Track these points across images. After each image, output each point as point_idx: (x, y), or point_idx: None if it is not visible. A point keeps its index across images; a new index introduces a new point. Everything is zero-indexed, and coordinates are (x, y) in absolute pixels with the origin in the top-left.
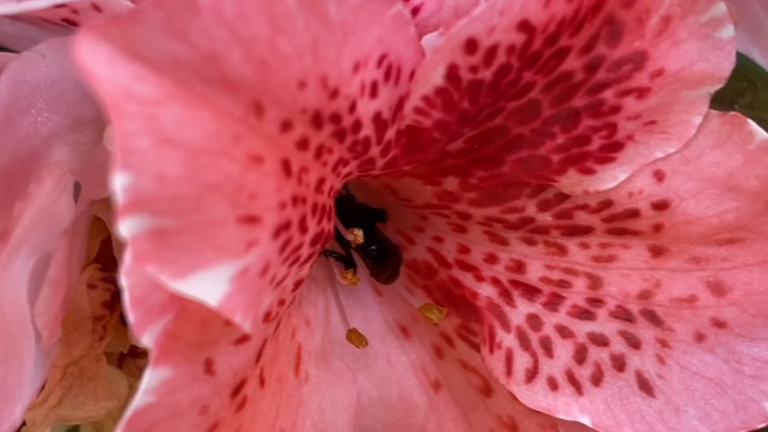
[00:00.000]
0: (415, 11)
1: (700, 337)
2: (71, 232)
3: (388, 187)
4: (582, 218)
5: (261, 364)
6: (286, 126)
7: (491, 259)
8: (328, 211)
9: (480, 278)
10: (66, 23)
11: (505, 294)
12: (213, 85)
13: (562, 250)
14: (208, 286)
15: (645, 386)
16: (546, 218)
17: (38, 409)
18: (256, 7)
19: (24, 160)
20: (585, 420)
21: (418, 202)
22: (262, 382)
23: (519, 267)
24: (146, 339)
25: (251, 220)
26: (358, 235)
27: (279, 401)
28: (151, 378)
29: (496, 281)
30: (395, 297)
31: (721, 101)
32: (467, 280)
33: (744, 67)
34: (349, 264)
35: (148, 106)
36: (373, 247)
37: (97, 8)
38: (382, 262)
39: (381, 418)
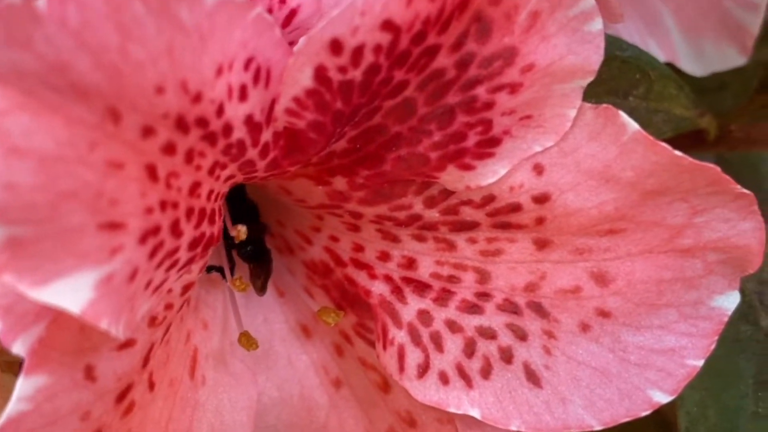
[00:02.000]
0: (292, 13)
1: (585, 327)
2: None
3: (283, 188)
4: (468, 213)
5: (149, 368)
6: (147, 131)
7: (384, 256)
8: (210, 214)
9: (373, 276)
10: None
11: (397, 291)
12: (63, 93)
13: (451, 246)
14: (70, 294)
15: (532, 377)
16: (433, 215)
17: None
18: (102, 15)
19: None
20: (475, 413)
21: (312, 203)
22: (151, 386)
23: (410, 264)
24: (17, 347)
25: (113, 226)
26: (241, 231)
27: (172, 405)
28: (23, 386)
29: (388, 278)
30: (296, 297)
31: (615, 92)
32: (361, 278)
33: (638, 59)
34: (232, 266)
35: None
36: (249, 248)
37: None
38: (259, 263)
39: (283, 417)
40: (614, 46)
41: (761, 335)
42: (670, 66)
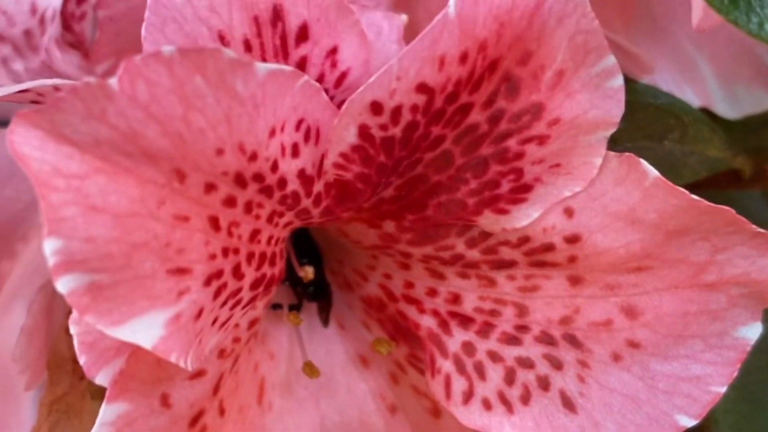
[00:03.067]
0: (343, 75)
1: (616, 357)
2: (50, 286)
3: (341, 231)
4: (506, 253)
5: (220, 395)
6: (209, 188)
7: (432, 292)
8: (270, 257)
9: (422, 310)
10: (35, 104)
11: (444, 324)
12: (134, 158)
13: (492, 282)
14: (143, 332)
15: (568, 404)
16: (475, 254)
17: None
18: (167, 89)
19: (8, 223)
20: None
21: (366, 244)
22: (222, 412)
23: (456, 299)
24: (100, 378)
25: (180, 271)
26: (308, 272)
27: (242, 428)
28: (106, 412)
29: (435, 313)
30: (355, 330)
31: (651, 137)
32: (411, 312)
33: (672, 105)
34: (299, 304)
35: (75, 180)
36: (311, 287)
37: (58, 90)
38: (322, 300)
39: None
40: (649, 94)
41: None
42: (704, 110)
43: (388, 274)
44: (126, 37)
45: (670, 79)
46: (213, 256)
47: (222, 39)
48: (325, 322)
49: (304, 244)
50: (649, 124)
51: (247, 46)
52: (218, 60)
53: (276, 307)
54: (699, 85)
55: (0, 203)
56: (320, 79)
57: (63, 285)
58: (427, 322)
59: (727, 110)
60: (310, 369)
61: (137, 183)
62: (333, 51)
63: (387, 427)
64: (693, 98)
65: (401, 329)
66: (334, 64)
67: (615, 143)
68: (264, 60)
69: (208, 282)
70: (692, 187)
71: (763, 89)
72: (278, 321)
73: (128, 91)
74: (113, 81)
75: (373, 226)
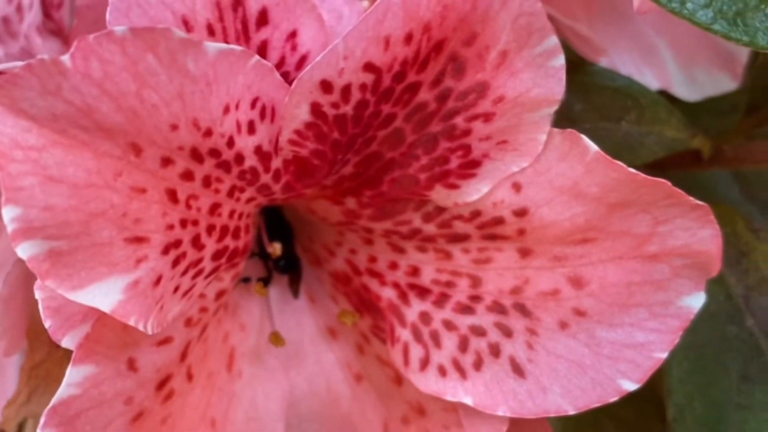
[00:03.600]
0: (303, 58)
1: (563, 325)
2: None
3: (309, 209)
4: (459, 227)
5: (187, 362)
6: (166, 161)
7: (393, 266)
8: (233, 231)
9: (383, 283)
10: None
11: (403, 295)
12: (90, 132)
13: (448, 255)
14: (102, 296)
15: (517, 369)
16: (431, 228)
17: (11, 407)
18: (120, 67)
19: None
20: (468, 401)
21: (332, 221)
22: (189, 377)
23: (415, 272)
24: (66, 342)
25: (138, 240)
26: (276, 248)
27: (210, 394)
28: (72, 373)
29: (396, 285)
30: (324, 303)
31: (609, 118)
32: (374, 285)
33: (629, 87)
34: (268, 277)
35: (32, 152)
36: (282, 262)
37: None
38: (292, 274)
39: (312, 407)
40: (606, 77)
41: (746, 335)
42: (664, 93)
43: (353, 250)
44: (103, 24)
45: (631, 62)
46: (171, 227)
47: (186, 24)
48: (295, 293)
49: (276, 221)
50: (607, 106)
51: (210, 31)
52: (169, 39)
53: (247, 280)
54: (659, 68)
55: None
56: (281, 62)
57: (23, 251)
58: (388, 293)
59: (686, 93)
60: (276, 338)
61: (93, 155)
62: (293, 35)
63: (353, 395)
64: (653, 81)
65: (365, 301)
66: (294, 48)
67: (573, 124)
68: (226, 43)
69: (166, 251)
70: (655, 169)
71: (722, 72)
72: (250, 294)
73: (81, 68)
74: (65, 58)
75: (336, 203)
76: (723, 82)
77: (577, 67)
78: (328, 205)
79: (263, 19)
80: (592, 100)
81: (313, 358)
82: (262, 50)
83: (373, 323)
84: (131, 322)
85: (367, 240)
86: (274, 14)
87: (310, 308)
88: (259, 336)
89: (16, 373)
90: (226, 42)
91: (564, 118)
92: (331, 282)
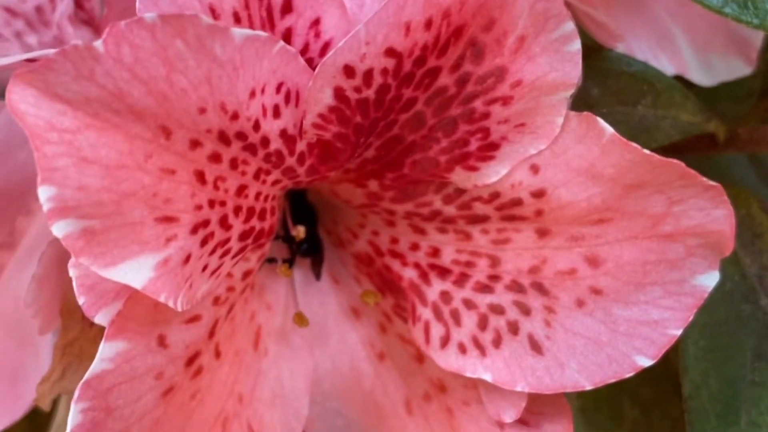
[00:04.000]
0: (326, 45)
1: (580, 303)
2: None
3: (333, 192)
4: (479, 208)
5: (215, 339)
6: (194, 144)
7: (414, 247)
8: (260, 212)
9: (405, 263)
10: None
11: (424, 275)
12: (122, 115)
13: (468, 236)
14: (134, 273)
15: (535, 346)
16: (451, 210)
17: (45, 384)
18: (150, 52)
19: (24, 182)
20: (487, 377)
21: (355, 203)
22: (218, 354)
23: (435, 252)
24: (100, 318)
25: (168, 219)
26: (300, 231)
27: (237, 370)
28: (105, 349)
29: (417, 265)
30: (347, 284)
31: (625, 103)
32: (396, 265)
33: (645, 72)
34: (291, 259)
35: (67, 134)
36: (305, 245)
37: None
38: (315, 256)
39: (336, 384)
40: (623, 62)
41: (760, 314)
42: (679, 78)
43: (376, 231)
44: (132, 13)
45: (647, 47)
46: (199, 207)
47: (213, 11)
48: (318, 275)
49: (301, 205)
50: (623, 91)
51: (237, 18)
52: (197, 25)
53: (272, 261)
54: (674, 53)
55: (16, 164)
56: (305, 48)
57: (58, 229)
58: (409, 273)
59: (701, 78)
60: (300, 319)
61: (125, 138)
62: (316, 22)
63: (376, 373)
64: (668, 66)
65: (387, 282)
66: (317, 35)
67: (591, 108)
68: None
69: (194, 230)
70: (671, 152)
71: (737, 58)
72: (275, 275)
73: (114, 53)
74: (98, 43)
75: (359, 186)
76: (738, 68)
77: (594, 52)
78: (352, 188)
79: (287, 7)
80: (609, 85)
81: (336, 337)
82: (287, 37)
83: (395, 303)
84: (162, 299)
85: (389, 222)
86: (298, 2)
87: (334, 289)
88: (285, 316)
89: (51, 350)
90: (252, 29)
91: (582, 103)
92: (354, 263)
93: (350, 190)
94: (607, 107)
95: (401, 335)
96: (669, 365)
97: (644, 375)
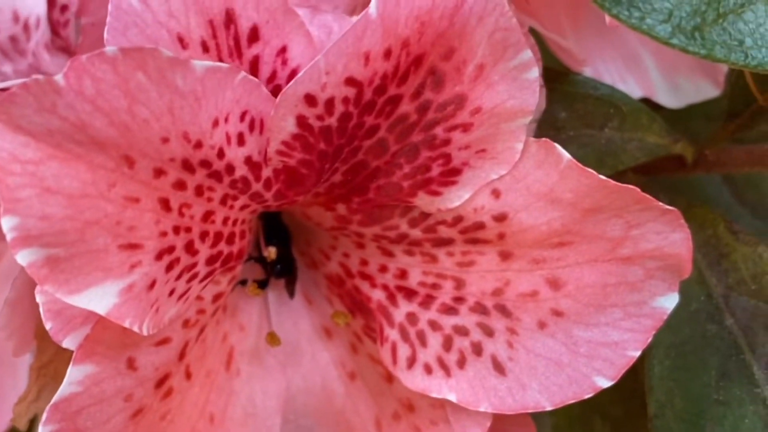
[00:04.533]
0: (294, 72)
1: (542, 325)
2: None
3: (304, 215)
4: (444, 231)
5: (186, 361)
6: (158, 172)
7: (383, 269)
8: (228, 236)
9: (374, 285)
10: None
11: (391, 297)
12: (85, 145)
13: (434, 259)
14: (98, 300)
15: (498, 367)
16: (417, 233)
17: (21, 404)
18: (112, 84)
19: None
20: (452, 397)
21: (326, 226)
22: (188, 376)
23: (403, 274)
24: (68, 342)
25: (132, 246)
26: (271, 252)
27: (209, 391)
28: (73, 372)
29: (385, 287)
30: (320, 304)
31: (592, 125)
32: (365, 287)
33: (611, 96)
34: (265, 280)
35: (30, 165)
36: (278, 266)
37: None
38: (288, 277)
39: (309, 403)
40: (589, 86)
41: (726, 333)
42: (647, 101)
43: (346, 253)
44: None
45: (614, 70)
46: (164, 234)
47: (181, 41)
48: (291, 294)
49: (276, 226)
50: (590, 114)
51: (205, 47)
52: (157, 58)
53: (244, 282)
54: (642, 76)
55: None
56: (273, 75)
57: (22, 258)
58: (378, 295)
59: (669, 100)
60: (273, 338)
61: (88, 168)
62: (282, 50)
63: (347, 392)
64: (636, 89)
65: (357, 303)
66: (284, 62)
67: (558, 131)
68: (220, 59)
69: (159, 256)
70: (641, 173)
71: (705, 80)
72: (249, 296)
73: (75, 87)
74: (59, 77)
75: (328, 209)
76: (706, 90)
77: (561, 76)
78: (322, 211)
79: (254, 35)
80: (576, 108)
81: (309, 356)
82: (254, 65)
83: (365, 323)
84: (126, 324)
85: (359, 244)
86: (265, 31)
87: (307, 309)
88: (258, 336)
89: (27, 372)
90: (220, 58)
91: (549, 126)
92: (327, 284)
93: (321, 213)
94: (574, 130)
95: (371, 355)
96: (639, 384)
97: (615, 394)
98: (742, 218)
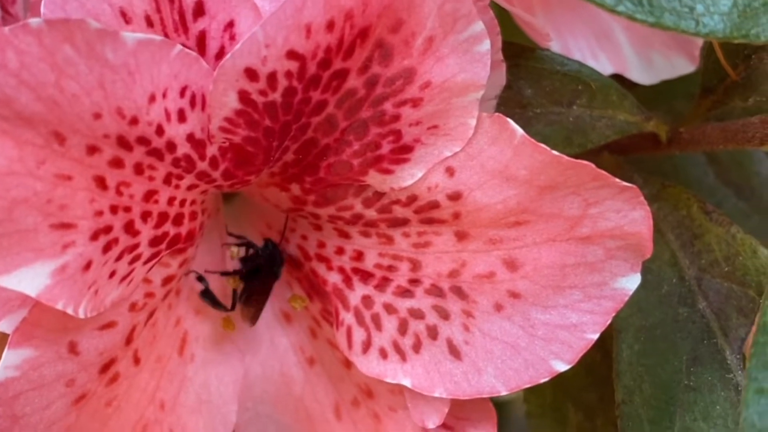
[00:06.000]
0: None
1: (498, 307)
2: None
3: (262, 196)
4: (399, 212)
5: (133, 346)
6: (92, 149)
7: (339, 251)
8: (175, 217)
9: (330, 268)
10: None
11: (347, 280)
12: (11, 121)
13: (390, 240)
14: (29, 281)
15: (454, 351)
16: (372, 214)
17: None
18: (37, 57)
19: None
20: (407, 382)
21: (283, 207)
22: (136, 361)
23: (359, 256)
24: (3, 325)
25: (64, 226)
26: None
27: (159, 377)
28: (9, 356)
29: (341, 270)
30: (281, 289)
31: (560, 103)
32: (321, 270)
33: (579, 72)
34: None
35: None
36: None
37: None
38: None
39: (267, 390)
40: (556, 62)
41: (697, 317)
42: (621, 79)
43: (304, 236)
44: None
45: (585, 46)
46: (99, 213)
47: (124, 15)
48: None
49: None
50: (557, 90)
51: (149, 22)
52: (85, 30)
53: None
54: (613, 52)
55: None
56: (221, 51)
57: None
58: (334, 278)
59: (641, 76)
60: (227, 323)
61: (15, 144)
62: (230, 25)
63: (306, 378)
64: (608, 65)
65: (314, 286)
66: (232, 37)
67: (524, 108)
68: (165, 35)
69: (95, 237)
70: (615, 152)
71: (679, 55)
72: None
73: None
74: None
75: (283, 190)
76: (680, 65)
77: (527, 52)
78: (277, 191)
79: (200, 10)
80: (543, 85)
81: (267, 342)
82: (201, 40)
83: (323, 308)
84: (60, 306)
85: (316, 226)
86: (210, 5)
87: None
88: (215, 321)
89: None
90: (165, 33)
91: (514, 103)
92: (286, 268)
93: (277, 194)
94: (541, 107)
95: (330, 340)
96: (612, 370)
97: (588, 380)
98: (726, 199)
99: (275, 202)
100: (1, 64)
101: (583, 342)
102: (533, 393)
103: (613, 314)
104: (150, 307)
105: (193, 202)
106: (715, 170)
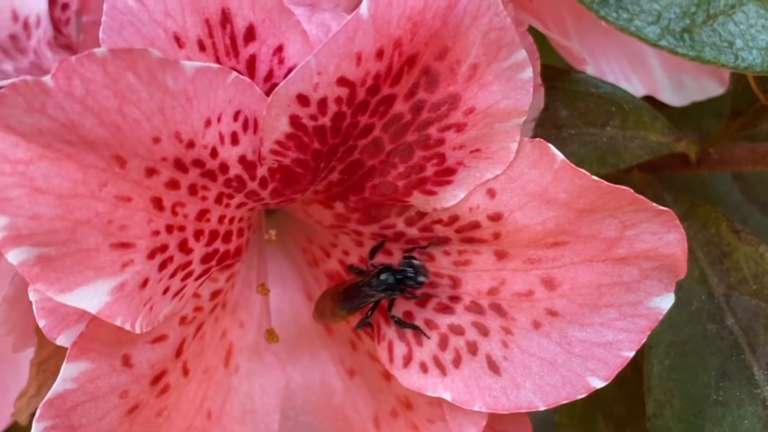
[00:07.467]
0: (290, 71)
1: (537, 325)
2: None
3: (305, 212)
4: (440, 230)
5: (183, 358)
6: (150, 172)
7: None
8: (224, 235)
9: None
10: None
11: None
12: (75, 145)
13: (431, 258)
14: (90, 298)
15: (493, 366)
16: (414, 232)
17: (22, 399)
18: (101, 85)
19: None
20: (447, 396)
21: (326, 224)
22: (185, 372)
23: None
24: (62, 340)
25: (124, 245)
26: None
27: (207, 387)
28: (67, 369)
29: None
30: None
31: (594, 124)
32: None
33: (612, 94)
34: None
35: (20, 165)
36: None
37: None
38: None
39: (308, 400)
40: (591, 84)
41: (726, 333)
42: (651, 99)
43: (346, 251)
44: None
45: (618, 68)
46: (156, 233)
47: (177, 40)
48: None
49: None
50: (591, 112)
51: (201, 46)
52: (147, 59)
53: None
54: (646, 74)
55: None
56: (270, 74)
57: (13, 257)
58: None
59: (672, 98)
60: (270, 335)
61: (79, 167)
62: (279, 49)
63: (346, 389)
64: (640, 87)
65: None
66: (281, 61)
67: (559, 130)
68: (217, 59)
69: (152, 255)
70: (646, 171)
71: (709, 78)
72: (251, 293)
73: (64, 87)
74: (48, 78)
75: (327, 207)
76: (710, 88)
77: (563, 74)
78: (321, 209)
79: (250, 35)
80: (577, 107)
81: (309, 353)
82: (251, 64)
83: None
84: (118, 323)
85: (358, 242)
86: (261, 30)
87: (308, 306)
88: (258, 332)
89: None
90: (217, 57)
91: (550, 124)
92: (327, 282)
93: (320, 211)
94: (576, 128)
95: (370, 353)
96: (642, 383)
97: (618, 393)
98: (751, 216)
99: (318, 218)
100: (67, 92)
101: (618, 359)
102: (564, 404)
103: (648, 332)
104: (198, 321)
105: (240, 219)
106: (740, 187)
